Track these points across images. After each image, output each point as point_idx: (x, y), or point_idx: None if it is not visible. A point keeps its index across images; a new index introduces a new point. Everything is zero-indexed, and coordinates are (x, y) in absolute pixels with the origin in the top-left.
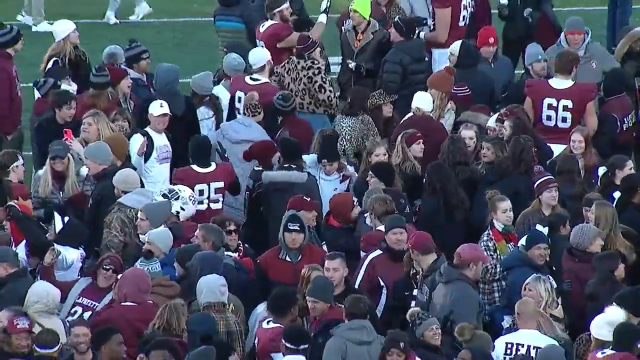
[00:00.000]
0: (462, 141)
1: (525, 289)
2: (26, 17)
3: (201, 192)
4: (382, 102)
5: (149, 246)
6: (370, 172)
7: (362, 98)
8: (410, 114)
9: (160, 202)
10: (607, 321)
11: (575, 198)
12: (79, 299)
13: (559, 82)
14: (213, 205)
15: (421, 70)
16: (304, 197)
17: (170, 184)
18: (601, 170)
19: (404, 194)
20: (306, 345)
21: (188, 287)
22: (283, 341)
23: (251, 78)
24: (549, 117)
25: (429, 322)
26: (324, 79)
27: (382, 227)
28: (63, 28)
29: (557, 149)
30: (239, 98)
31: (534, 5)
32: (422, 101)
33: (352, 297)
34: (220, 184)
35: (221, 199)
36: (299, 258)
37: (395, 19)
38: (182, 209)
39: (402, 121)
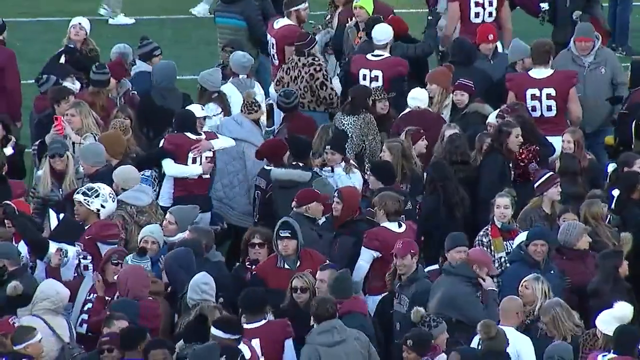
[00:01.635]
0: (461, 140)
1: (522, 285)
2: (108, 10)
3: (194, 160)
4: (376, 98)
5: (146, 244)
6: (368, 171)
7: (363, 96)
8: (408, 109)
9: (188, 206)
10: (615, 317)
11: (577, 197)
12: (89, 296)
13: (539, 72)
14: (204, 176)
15: None
16: (317, 192)
17: (162, 148)
18: (610, 167)
19: (404, 191)
20: (241, 335)
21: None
22: (224, 335)
23: (373, 54)
24: (534, 108)
25: (442, 328)
26: (326, 76)
27: (387, 225)
28: (70, 23)
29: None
30: (364, 75)
31: (582, 7)
32: (419, 100)
33: (318, 300)
34: (210, 153)
35: (210, 170)
36: (298, 264)
37: (368, 19)
38: (103, 206)
39: (400, 116)
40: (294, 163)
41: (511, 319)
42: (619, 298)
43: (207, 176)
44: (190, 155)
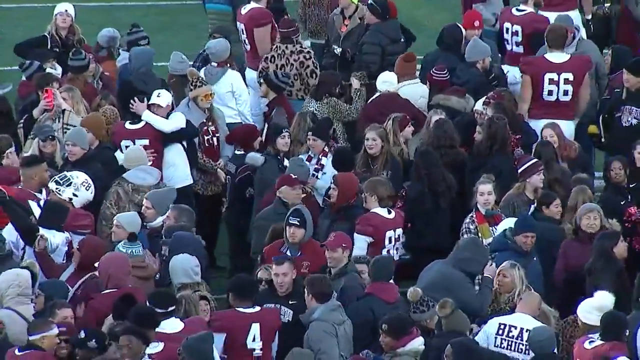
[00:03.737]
0: (448, 124)
1: (499, 274)
2: None
3: (127, 148)
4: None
5: (116, 228)
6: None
7: (330, 83)
8: (378, 93)
9: (165, 189)
10: (595, 306)
11: (551, 183)
12: None
13: (557, 56)
14: None
15: (398, 51)
16: (291, 175)
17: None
18: None
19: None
20: (174, 307)
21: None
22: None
23: (517, 9)
24: (550, 92)
25: (433, 312)
26: (315, 64)
27: (378, 210)
28: (56, 10)
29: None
30: (507, 29)
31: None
32: (389, 83)
33: (318, 278)
34: (146, 142)
35: (152, 157)
36: (299, 253)
37: (370, 1)
38: (75, 195)
39: (369, 101)
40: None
41: (530, 310)
42: (608, 277)
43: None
44: (123, 143)
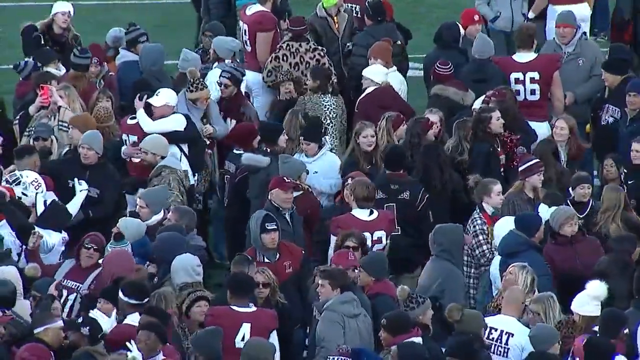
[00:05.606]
0: (419, 125)
1: (507, 270)
2: None
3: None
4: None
5: (116, 229)
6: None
7: (328, 77)
8: (372, 88)
9: (157, 187)
10: (591, 296)
11: (548, 182)
12: (64, 281)
13: (523, 56)
14: (133, 159)
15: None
16: (283, 178)
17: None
18: None
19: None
20: (147, 299)
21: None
22: (125, 299)
23: None
24: (517, 92)
25: (426, 305)
26: (330, 62)
27: (356, 212)
28: (55, 7)
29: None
30: None
31: None
32: (375, 74)
33: (338, 270)
34: (135, 138)
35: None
36: (277, 257)
37: (365, 3)
38: (24, 194)
39: (363, 96)
40: (263, 148)
41: (515, 310)
42: (625, 282)
43: (135, 160)
44: (124, 136)
